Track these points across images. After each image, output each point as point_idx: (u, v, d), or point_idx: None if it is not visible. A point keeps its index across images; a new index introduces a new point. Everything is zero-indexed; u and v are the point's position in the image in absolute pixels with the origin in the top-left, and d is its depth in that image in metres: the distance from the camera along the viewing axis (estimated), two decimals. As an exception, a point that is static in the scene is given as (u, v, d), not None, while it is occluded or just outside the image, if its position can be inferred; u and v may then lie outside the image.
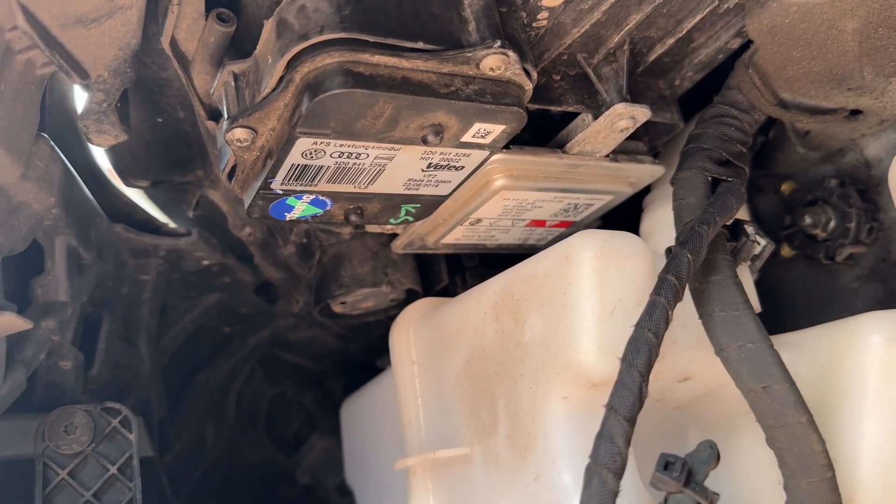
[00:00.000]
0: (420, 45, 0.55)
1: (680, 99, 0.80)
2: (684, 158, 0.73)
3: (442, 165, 0.68)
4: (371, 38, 0.54)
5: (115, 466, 0.84)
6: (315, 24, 0.53)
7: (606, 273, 0.65)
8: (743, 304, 0.61)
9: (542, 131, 0.77)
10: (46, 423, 0.82)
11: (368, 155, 0.63)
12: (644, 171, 0.82)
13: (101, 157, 0.94)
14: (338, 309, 1.05)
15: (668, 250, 0.62)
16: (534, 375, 0.70)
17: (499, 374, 0.75)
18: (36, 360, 0.81)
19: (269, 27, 0.56)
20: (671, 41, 0.72)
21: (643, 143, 0.83)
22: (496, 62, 0.58)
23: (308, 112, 0.55)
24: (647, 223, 0.90)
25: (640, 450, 0.66)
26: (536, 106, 0.69)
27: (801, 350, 0.69)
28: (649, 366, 0.55)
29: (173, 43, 0.63)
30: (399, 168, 0.66)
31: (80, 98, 0.81)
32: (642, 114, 0.71)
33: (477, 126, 0.62)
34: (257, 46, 0.58)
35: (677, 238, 0.63)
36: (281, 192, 0.67)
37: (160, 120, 0.83)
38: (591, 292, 0.64)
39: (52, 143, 0.76)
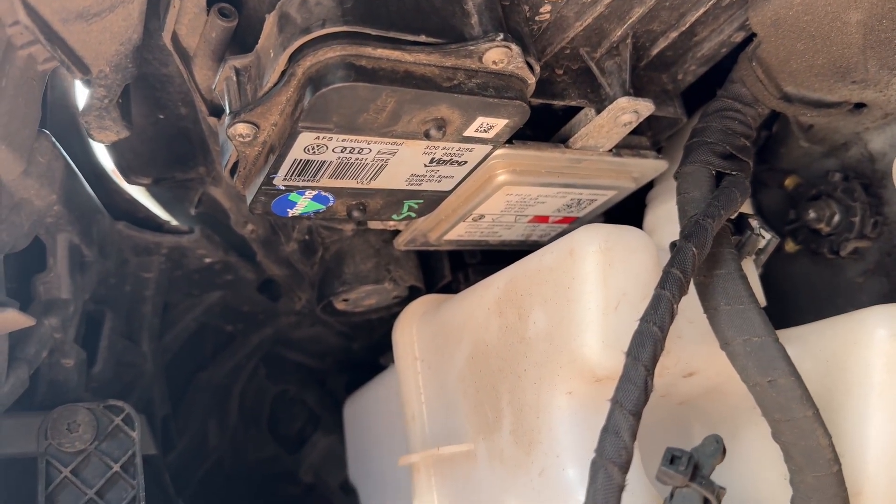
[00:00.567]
0: (422, 38, 0.55)
1: (683, 93, 0.80)
2: (688, 153, 0.72)
3: (445, 160, 0.67)
4: (373, 32, 0.54)
5: (118, 464, 0.84)
6: (317, 17, 0.53)
7: (611, 267, 0.65)
8: (748, 298, 0.61)
9: (544, 126, 0.76)
10: (49, 421, 0.82)
11: (371, 150, 0.63)
12: (647, 166, 0.81)
13: (102, 155, 0.94)
14: (340, 306, 1.05)
15: (673, 245, 0.62)
16: (538, 370, 0.69)
17: (502, 369, 0.74)
18: (38, 358, 0.81)
19: (270, 21, 0.56)
20: (674, 35, 0.72)
21: (646, 137, 0.82)
22: (499, 55, 0.57)
23: (310, 106, 0.55)
24: (650, 218, 0.89)
25: (645, 445, 0.66)
26: (539, 100, 0.69)
27: (807, 344, 0.69)
28: (655, 359, 0.54)
29: (175, 38, 0.63)
30: (402, 163, 0.66)
31: (81, 94, 0.81)
32: (645, 108, 0.70)
33: (480, 120, 0.61)
34: (259, 41, 0.58)
35: (682, 232, 0.63)
36: (283, 188, 0.67)
37: (162, 117, 0.83)
38: (595, 286, 0.64)
39: (53, 139, 0.76)
